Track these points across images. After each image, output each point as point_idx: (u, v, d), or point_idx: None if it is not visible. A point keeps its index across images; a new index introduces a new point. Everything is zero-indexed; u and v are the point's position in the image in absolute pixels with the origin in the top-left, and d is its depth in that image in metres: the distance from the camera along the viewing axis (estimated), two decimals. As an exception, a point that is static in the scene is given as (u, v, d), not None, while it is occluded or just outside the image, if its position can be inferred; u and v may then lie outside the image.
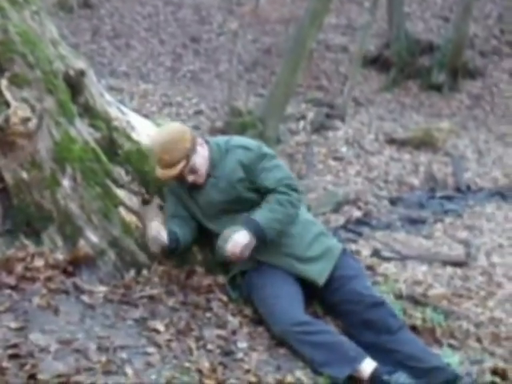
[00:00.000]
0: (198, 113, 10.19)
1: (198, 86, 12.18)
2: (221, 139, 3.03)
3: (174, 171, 2.84)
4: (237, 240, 2.76)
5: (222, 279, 3.02)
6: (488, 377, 2.90)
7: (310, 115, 10.36)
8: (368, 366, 2.58)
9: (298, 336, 2.63)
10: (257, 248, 2.80)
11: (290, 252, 2.86)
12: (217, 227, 2.91)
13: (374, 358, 2.62)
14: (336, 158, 9.34)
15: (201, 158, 2.88)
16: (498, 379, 2.89)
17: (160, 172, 2.87)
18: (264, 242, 2.79)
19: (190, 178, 2.89)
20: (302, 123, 10.21)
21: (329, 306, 2.91)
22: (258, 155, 2.90)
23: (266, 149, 2.95)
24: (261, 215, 2.80)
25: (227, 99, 10.15)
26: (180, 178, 2.89)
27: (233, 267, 2.94)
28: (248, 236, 2.77)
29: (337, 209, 7.52)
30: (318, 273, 2.84)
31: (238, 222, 2.82)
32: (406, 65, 13.39)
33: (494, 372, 2.98)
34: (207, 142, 2.97)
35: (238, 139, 3.02)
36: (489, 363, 3.09)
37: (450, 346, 3.19)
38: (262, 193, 2.89)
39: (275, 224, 2.80)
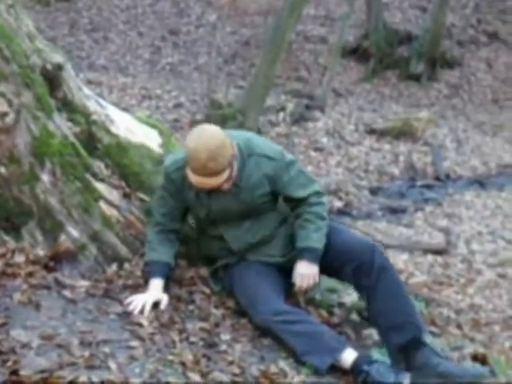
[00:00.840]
0: (178, 106, 10.15)
1: (178, 78, 12.13)
2: (239, 138, 2.79)
3: (220, 179, 2.65)
4: (303, 273, 2.81)
5: (204, 272, 3.02)
6: (468, 362, 2.95)
7: (290, 106, 10.37)
8: (349, 355, 2.60)
9: (279, 325, 2.65)
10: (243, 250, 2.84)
11: (274, 253, 2.89)
12: (219, 231, 2.86)
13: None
14: (316, 149, 9.38)
15: (235, 166, 2.73)
16: (478, 365, 2.93)
17: (200, 180, 2.65)
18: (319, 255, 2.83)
19: (225, 186, 2.72)
20: (281, 114, 10.22)
21: (325, 268, 2.90)
22: (282, 165, 2.78)
23: (287, 155, 2.84)
24: (312, 239, 2.80)
25: (207, 91, 10.12)
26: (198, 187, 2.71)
27: (215, 261, 2.94)
28: (310, 265, 2.80)
29: (318, 199, 7.55)
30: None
31: (251, 229, 2.83)
32: (384, 55, 13.45)
33: (475, 357, 3.03)
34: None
35: (257, 143, 2.83)
36: (469, 349, 3.14)
37: (431, 332, 3.23)
38: (289, 201, 2.86)
39: (323, 239, 2.82)
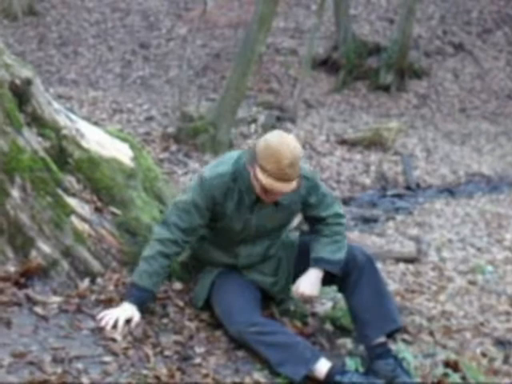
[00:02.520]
0: (149, 119, 10.12)
1: (149, 92, 12.10)
2: None
3: (290, 187, 2.65)
4: (308, 282, 2.84)
5: (177, 285, 3.02)
6: (441, 369, 2.98)
7: (262, 118, 10.41)
8: (323, 366, 2.62)
9: (253, 336, 2.66)
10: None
11: (267, 271, 2.94)
12: (233, 246, 2.88)
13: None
14: (288, 160, 9.40)
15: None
16: (450, 371, 2.97)
17: (271, 183, 2.63)
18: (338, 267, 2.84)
19: (275, 197, 2.74)
20: (253, 126, 10.25)
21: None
22: (314, 185, 2.84)
23: (317, 175, 2.93)
24: (326, 251, 2.85)
25: (178, 104, 10.11)
26: (265, 191, 2.69)
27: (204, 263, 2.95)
28: (318, 274, 2.84)
29: (291, 210, 7.58)
30: (280, 290, 2.97)
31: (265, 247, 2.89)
32: (354, 66, 13.60)
33: (447, 364, 3.06)
34: None
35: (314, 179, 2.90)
36: (441, 356, 3.17)
37: (404, 340, 3.26)
38: (311, 220, 2.93)
39: (340, 253, 2.84)
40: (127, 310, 2.68)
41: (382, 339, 2.76)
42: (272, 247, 2.93)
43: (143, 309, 2.75)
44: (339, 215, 2.92)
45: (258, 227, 2.84)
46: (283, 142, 2.61)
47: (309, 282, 2.83)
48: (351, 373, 2.63)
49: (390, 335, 2.85)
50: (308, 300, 3.00)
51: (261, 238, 2.88)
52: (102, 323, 2.62)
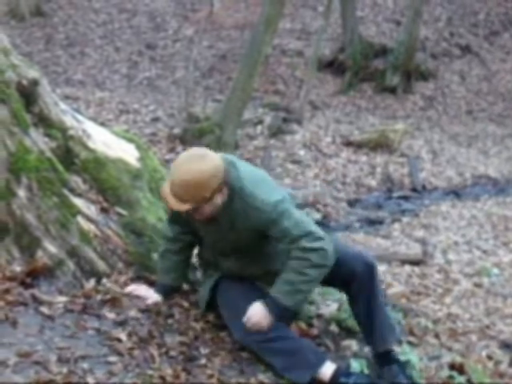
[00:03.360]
0: (155, 120, 10.14)
1: (155, 92, 12.13)
2: (242, 179, 2.63)
3: (183, 206, 2.54)
4: (251, 314, 2.66)
5: (183, 286, 3.02)
6: (446, 372, 2.98)
7: (268, 120, 10.41)
8: (328, 369, 2.61)
9: (257, 344, 2.65)
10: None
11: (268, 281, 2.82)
12: (221, 261, 2.82)
13: None
14: (294, 162, 9.42)
15: (213, 206, 2.58)
16: (455, 373, 2.96)
17: (169, 198, 2.56)
18: (289, 312, 2.68)
19: (195, 216, 2.64)
20: (259, 128, 10.26)
21: None
22: (273, 220, 2.59)
23: (280, 209, 2.60)
24: (281, 293, 2.63)
25: (184, 105, 10.13)
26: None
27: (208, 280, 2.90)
28: (263, 309, 2.64)
29: (296, 212, 7.58)
30: None
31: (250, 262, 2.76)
32: (360, 68, 13.59)
33: (452, 367, 3.06)
34: (226, 184, 2.59)
35: (251, 190, 2.62)
36: (447, 358, 3.17)
37: (409, 343, 3.26)
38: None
39: (295, 295, 2.61)
40: (150, 291, 2.85)
41: (385, 348, 2.76)
42: (255, 264, 2.77)
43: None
44: (306, 250, 2.57)
45: (224, 243, 2.73)
46: (188, 160, 2.51)
47: (251, 315, 2.65)
48: (356, 375, 2.63)
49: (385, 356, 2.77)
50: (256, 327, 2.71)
51: (238, 254, 2.75)
52: (128, 289, 2.82)
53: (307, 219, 2.69)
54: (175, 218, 2.82)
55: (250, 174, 2.68)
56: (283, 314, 2.64)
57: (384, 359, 2.74)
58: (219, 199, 2.58)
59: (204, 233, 2.80)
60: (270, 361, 2.64)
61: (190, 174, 2.48)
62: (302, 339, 2.77)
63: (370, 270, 2.78)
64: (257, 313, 2.64)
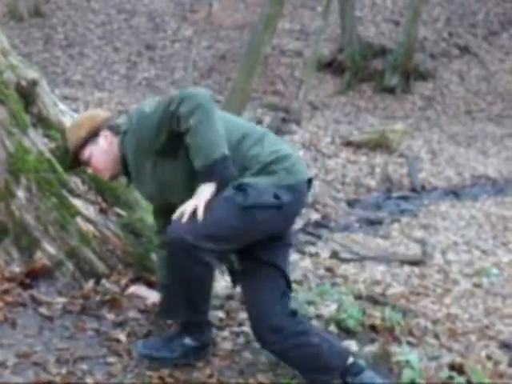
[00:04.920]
0: (155, 120, 10.12)
1: (154, 93, 12.12)
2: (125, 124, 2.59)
3: (73, 158, 2.67)
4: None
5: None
6: (445, 372, 2.97)
7: (267, 120, 10.41)
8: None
9: (282, 348, 2.51)
10: None
11: None
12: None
13: None
14: (293, 162, 9.40)
15: (101, 151, 2.60)
16: (455, 374, 2.96)
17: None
18: (220, 165, 2.37)
19: (90, 170, 2.75)
20: (258, 128, 10.26)
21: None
22: (135, 130, 2.50)
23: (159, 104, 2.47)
24: (197, 164, 2.40)
25: (183, 106, 10.11)
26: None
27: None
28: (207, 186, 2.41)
29: (295, 212, 7.57)
30: None
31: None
32: (359, 68, 13.59)
33: (452, 367, 3.05)
34: (118, 133, 2.58)
35: (137, 116, 2.52)
36: (446, 359, 3.16)
37: (409, 343, 3.25)
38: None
39: (205, 144, 2.36)
40: (151, 292, 2.85)
41: None
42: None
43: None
44: (179, 113, 2.38)
45: (171, 192, 2.53)
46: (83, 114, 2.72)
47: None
48: (366, 372, 2.57)
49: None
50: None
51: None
52: (129, 291, 2.83)
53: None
54: (155, 209, 2.78)
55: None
56: (218, 171, 2.37)
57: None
58: (102, 142, 2.59)
59: (157, 194, 2.58)
60: (291, 364, 2.57)
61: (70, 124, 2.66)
62: (323, 335, 2.60)
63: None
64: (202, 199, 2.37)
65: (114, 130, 2.62)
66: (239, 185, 2.41)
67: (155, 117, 2.44)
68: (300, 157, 2.61)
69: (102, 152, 2.61)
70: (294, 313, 2.55)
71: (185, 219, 2.33)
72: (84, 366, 2.35)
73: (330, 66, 13.74)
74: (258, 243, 2.50)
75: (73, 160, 2.70)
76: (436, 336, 3.63)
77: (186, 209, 2.35)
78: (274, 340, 2.49)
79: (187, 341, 2.50)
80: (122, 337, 2.58)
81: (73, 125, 2.70)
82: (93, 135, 2.61)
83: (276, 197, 2.42)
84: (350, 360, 2.55)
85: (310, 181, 2.57)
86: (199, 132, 2.36)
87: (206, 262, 2.38)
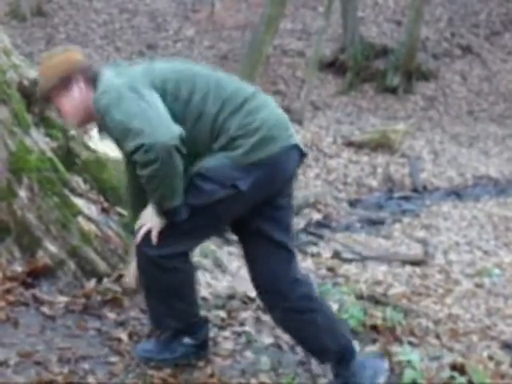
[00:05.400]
0: (156, 120, 10.13)
1: (156, 92, 12.13)
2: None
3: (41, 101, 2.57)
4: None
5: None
6: (447, 372, 2.97)
7: (268, 120, 10.40)
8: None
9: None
10: None
11: None
12: None
13: None
14: (295, 162, 9.40)
15: (71, 99, 2.41)
16: (456, 374, 2.95)
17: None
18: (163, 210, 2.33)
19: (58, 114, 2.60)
20: (260, 128, 10.25)
21: None
22: (100, 110, 2.33)
23: (112, 93, 2.29)
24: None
25: (185, 106, 10.12)
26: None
27: None
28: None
29: (297, 212, 7.57)
30: None
31: None
32: (361, 68, 13.58)
33: (453, 367, 3.05)
34: (94, 82, 2.38)
35: (105, 79, 2.36)
36: (448, 359, 3.16)
37: (410, 343, 3.25)
38: None
39: (152, 197, 2.32)
40: None
41: None
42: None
43: None
44: (131, 153, 2.24)
45: None
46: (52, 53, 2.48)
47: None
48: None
49: None
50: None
51: None
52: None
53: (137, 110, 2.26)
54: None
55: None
56: (166, 216, 2.32)
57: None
58: (74, 88, 2.40)
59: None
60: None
61: (47, 58, 2.45)
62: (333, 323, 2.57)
63: None
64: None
65: (90, 77, 2.42)
66: (193, 182, 2.33)
67: (113, 129, 2.28)
68: (281, 122, 2.45)
69: (72, 99, 2.42)
70: (297, 280, 2.50)
71: (139, 239, 2.35)
72: (86, 366, 2.36)
73: (332, 66, 13.73)
74: (245, 216, 2.43)
75: (40, 98, 2.55)
76: (437, 336, 3.62)
77: (140, 232, 2.36)
78: (274, 304, 2.47)
79: (187, 340, 2.50)
80: (124, 336, 2.59)
81: (46, 64, 2.44)
82: (65, 79, 2.40)
83: (234, 184, 2.31)
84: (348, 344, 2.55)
85: (295, 146, 2.43)
86: (150, 185, 2.27)
87: (174, 267, 2.35)
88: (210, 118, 2.36)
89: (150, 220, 2.36)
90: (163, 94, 2.33)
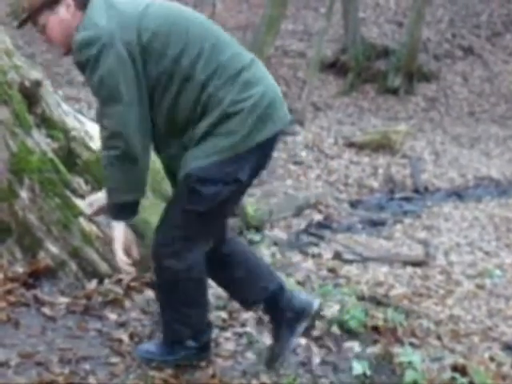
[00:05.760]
0: (158, 121, 10.12)
1: (157, 93, 12.14)
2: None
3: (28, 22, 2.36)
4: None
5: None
6: (448, 373, 2.97)
7: (269, 121, 10.40)
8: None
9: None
10: None
11: None
12: None
13: None
14: (296, 163, 9.41)
15: (59, 22, 2.28)
16: (458, 375, 2.95)
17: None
18: (111, 204, 2.33)
19: (43, 39, 2.41)
20: (261, 129, 10.24)
21: None
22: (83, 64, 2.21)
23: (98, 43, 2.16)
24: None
25: (186, 106, 10.11)
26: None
27: None
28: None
29: (298, 213, 7.57)
30: None
31: None
32: (362, 69, 13.59)
33: (454, 368, 3.05)
34: (84, 7, 2.24)
35: (90, 16, 2.21)
36: (449, 360, 3.16)
37: (411, 344, 3.25)
38: None
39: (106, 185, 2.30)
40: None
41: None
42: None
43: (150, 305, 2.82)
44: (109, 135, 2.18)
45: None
46: None
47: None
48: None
49: None
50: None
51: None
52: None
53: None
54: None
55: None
56: (110, 208, 2.34)
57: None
58: (62, 12, 2.28)
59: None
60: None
61: None
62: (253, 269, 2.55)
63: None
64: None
65: (79, 1, 2.27)
66: (192, 188, 2.25)
67: (92, 80, 2.16)
68: (278, 97, 2.35)
69: (59, 22, 2.28)
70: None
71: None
72: (87, 366, 2.36)
73: (333, 67, 13.74)
74: None
75: (24, 20, 2.41)
76: (439, 337, 3.63)
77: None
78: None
79: (189, 343, 2.50)
80: (125, 337, 2.59)
81: None
82: (53, 1, 2.28)
83: (236, 178, 2.23)
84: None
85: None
86: (107, 170, 2.23)
87: (197, 278, 2.36)
88: (197, 85, 2.18)
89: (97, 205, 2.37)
90: (145, 51, 2.16)
